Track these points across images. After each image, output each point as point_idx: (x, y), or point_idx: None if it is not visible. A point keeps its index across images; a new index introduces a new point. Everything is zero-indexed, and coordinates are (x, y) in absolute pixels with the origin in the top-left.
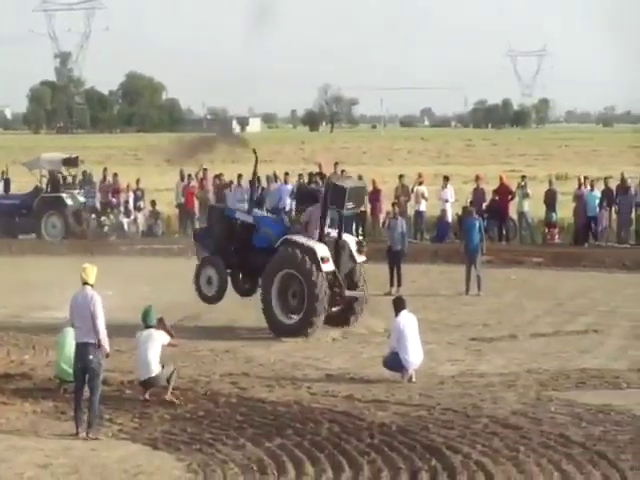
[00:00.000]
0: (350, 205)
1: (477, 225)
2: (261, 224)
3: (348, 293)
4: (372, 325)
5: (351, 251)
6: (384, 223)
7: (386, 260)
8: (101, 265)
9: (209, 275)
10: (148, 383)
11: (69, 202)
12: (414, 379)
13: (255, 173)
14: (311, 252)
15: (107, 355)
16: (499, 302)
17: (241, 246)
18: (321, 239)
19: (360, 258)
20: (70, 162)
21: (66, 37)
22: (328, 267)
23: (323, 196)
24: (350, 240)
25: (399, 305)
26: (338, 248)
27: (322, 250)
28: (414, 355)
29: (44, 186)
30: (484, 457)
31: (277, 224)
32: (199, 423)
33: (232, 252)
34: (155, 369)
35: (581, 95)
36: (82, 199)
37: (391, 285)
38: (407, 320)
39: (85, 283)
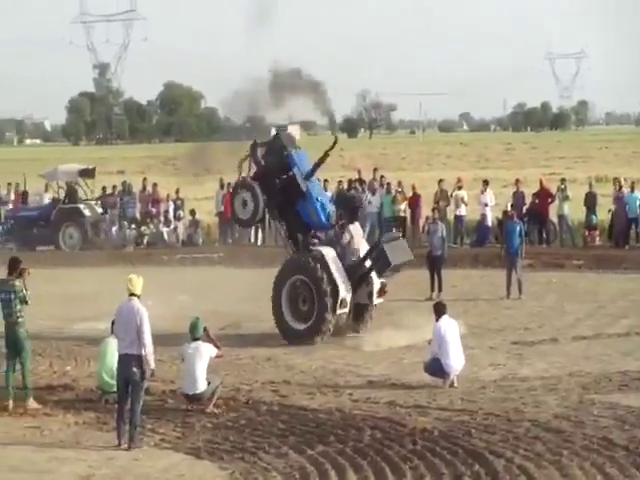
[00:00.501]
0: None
1: (518, 229)
2: (310, 199)
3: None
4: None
5: (372, 290)
6: (424, 228)
7: (426, 265)
8: (141, 275)
9: (244, 198)
10: (193, 398)
11: (87, 213)
12: (456, 384)
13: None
14: (323, 261)
15: (152, 373)
16: (540, 305)
17: (284, 200)
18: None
19: (377, 300)
20: (87, 173)
21: (104, 48)
22: (343, 310)
23: (368, 254)
24: (375, 280)
25: (440, 310)
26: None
27: (343, 290)
28: (455, 360)
29: (61, 197)
30: (527, 461)
31: (322, 212)
32: (241, 431)
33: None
34: (202, 386)
35: (620, 97)
36: (100, 210)
37: (432, 290)
38: (448, 325)
39: (132, 294)
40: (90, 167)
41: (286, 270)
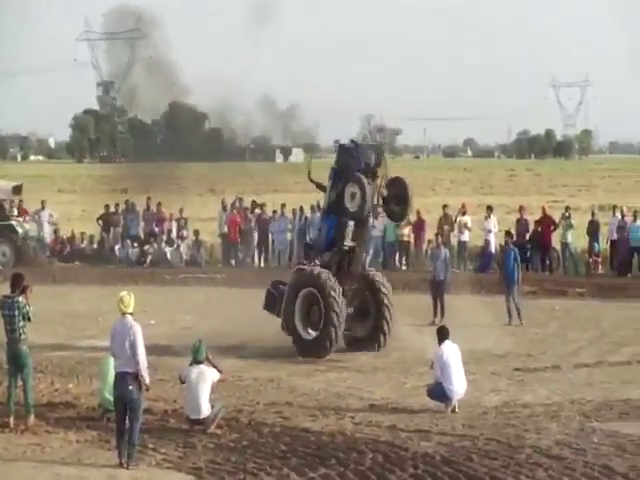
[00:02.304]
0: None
1: (512, 255)
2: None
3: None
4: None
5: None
6: (427, 253)
7: (429, 290)
8: (144, 294)
9: (352, 191)
10: (197, 422)
11: (19, 230)
12: (457, 409)
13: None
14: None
15: (147, 388)
16: (543, 332)
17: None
18: None
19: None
20: (18, 190)
21: (109, 66)
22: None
23: None
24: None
25: (443, 334)
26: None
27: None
28: (458, 385)
29: None
30: None
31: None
32: (243, 453)
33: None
34: (205, 411)
35: (624, 126)
36: (28, 226)
37: (435, 315)
38: (450, 350)
39: (124, 313)
40: (19, 183)
41: (296, 282)
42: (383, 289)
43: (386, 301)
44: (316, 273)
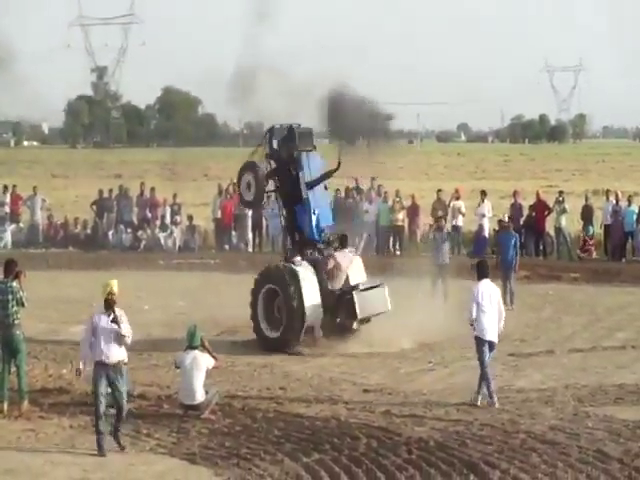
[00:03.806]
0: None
1: (513, 241)
2: (307, 207)
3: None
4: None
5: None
6: (424, 237)
7: (432, 274)
8: (137, 279)
9: (248, 180)
10: (191, 407)
11: None
12: (478, 402)
13: None
14: (293, 272)
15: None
16: (536, 317)
17: (290, 193)
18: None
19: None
20: None
21: (103, 52)
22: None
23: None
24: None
25: (481, 270)
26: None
27: (310, 315)
28: (489, 330)
29: None
30: (522, 473)
31: (316, 227)
32: (237, 438)
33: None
34: (199, 397)
35: (617, 111)
36: None
37: (434, 297)
38: (487, 289)
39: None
40: None
41: (262, 278)
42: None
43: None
44: (279, 272)
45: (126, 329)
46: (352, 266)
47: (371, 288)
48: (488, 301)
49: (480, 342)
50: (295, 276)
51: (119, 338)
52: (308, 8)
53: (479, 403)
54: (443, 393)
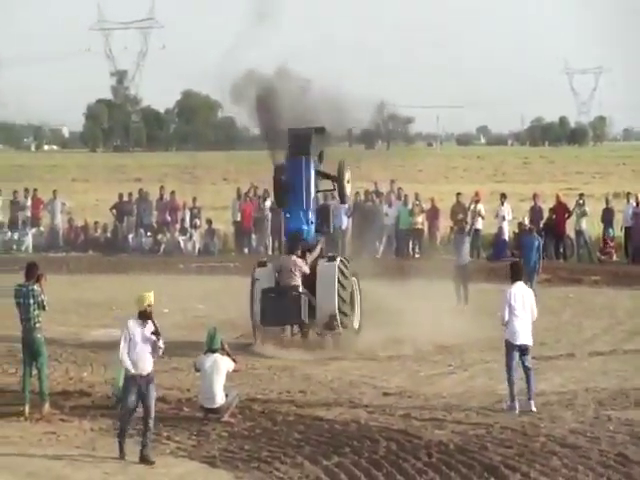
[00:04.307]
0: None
1: (536, 244)
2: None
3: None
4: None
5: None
6: (448, 239)
7: (453, 276)
8: (157, 283)
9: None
10: (211, 411)
11: None
12: (533, 408)
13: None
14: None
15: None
16: (557, 320)
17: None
18: None
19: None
20: None
21: (122, 55)
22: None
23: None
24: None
25: (514, 272)
26: None
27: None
28: (521, 334)
29: None
30: (542, 476)
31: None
32: (257, 441)
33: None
34: (220, 400)
35: (638, 113)
36: None
37: (458, 301)
38: (519, 292)
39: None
40: None
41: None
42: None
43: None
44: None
45: (162, 342)
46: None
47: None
48: (521, 304)
49: (510, 346)
50: (253, 277)
51: (155, 350)
52: (318, 7)
53: (534, 409)
54: (463, 396)
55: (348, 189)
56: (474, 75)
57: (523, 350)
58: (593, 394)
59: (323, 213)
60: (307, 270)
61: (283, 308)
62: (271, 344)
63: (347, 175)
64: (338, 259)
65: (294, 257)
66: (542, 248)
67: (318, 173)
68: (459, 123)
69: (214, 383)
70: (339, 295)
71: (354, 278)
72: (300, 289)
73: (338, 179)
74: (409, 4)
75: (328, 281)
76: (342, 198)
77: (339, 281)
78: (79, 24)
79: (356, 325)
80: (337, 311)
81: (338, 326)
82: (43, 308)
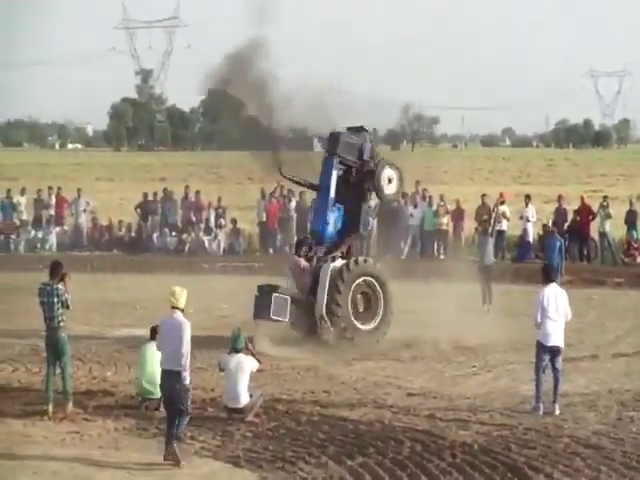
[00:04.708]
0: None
1: (558, 245)
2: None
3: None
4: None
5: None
6: (472, 240)
7: (478, 276)
8: (182, 282)
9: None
10: (235, 411)
11: None
12: (557, 411)
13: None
14: None
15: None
16: (580, 322)
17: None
18: None
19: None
20: None
21: (147, 54)
22: None
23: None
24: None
25: (546, 274)
26: None
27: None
28: (554, 335)
29: None
30: (566, 477)
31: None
32: (281, 441)
33: None
34: (244, 401)
35: None
36: None
37: (484, 302)
38: (552, 293)
39: (174, 307)
40: None
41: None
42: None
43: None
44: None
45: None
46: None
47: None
48: (554, 306)
49: (541, 348)
50: None
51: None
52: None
53: (557, 412)
54: (487, 397)
55: (389, 188)
56: (500, 77)
57: (554, 352)
58: (616, 395)
59: (351, 213)
60: (306, 269)
61: (259, 304)
62: (268, 341)
63: (387, 174)
64: (338, 261)
65: (295, 257)
66: (565, 249)
67: (357, 172)
68: (484, 124)
69: (238, 383)
70: (331, 297)
71: (371, 279)
72: (281, 288)
73: (375, 177)
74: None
75: (322, 283)
76: (379, 197)
77: (335, 283)
78: (104, 23)
79: (370, 326)
80: (324, 313)
81: (328, 328)
82: (67, 307)
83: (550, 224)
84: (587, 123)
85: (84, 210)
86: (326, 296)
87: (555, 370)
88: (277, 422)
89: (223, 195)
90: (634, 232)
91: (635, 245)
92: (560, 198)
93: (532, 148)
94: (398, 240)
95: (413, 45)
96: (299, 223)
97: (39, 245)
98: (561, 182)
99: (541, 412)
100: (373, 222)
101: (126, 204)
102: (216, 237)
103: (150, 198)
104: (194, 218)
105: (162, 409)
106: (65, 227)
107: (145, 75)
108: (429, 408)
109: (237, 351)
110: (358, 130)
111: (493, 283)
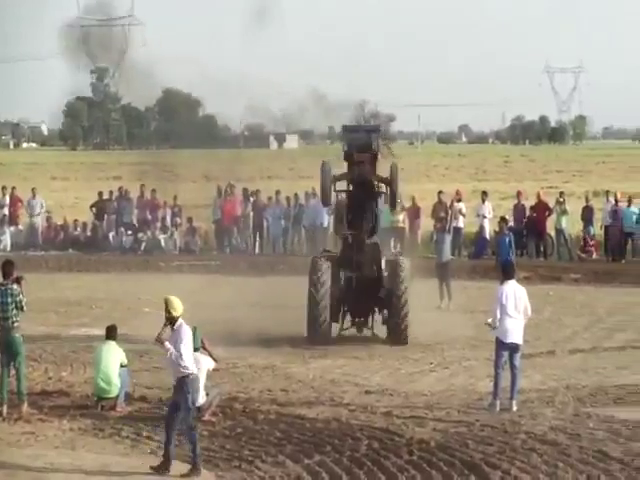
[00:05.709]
0: None
1: (507, 241)
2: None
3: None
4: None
5: None
6: (431, 238)
7: (435, 274)
8: (138, 282)
9: None
10: None
11: None
12: (514, 408)
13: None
14: None
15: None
16: (537, 318)
17: None
18: None
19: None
20: None
21: (102, 53)
22: None
23: None
24: None
25: (505, 271)
26: None
27: None
28: (512, 332)
29: None
30: (523, 473)
31: None
32: (238, 440)
33: None
34: (200, 399)
35: (617, 112)
36: None
37: (441, 299)
38: (511, 290)
39: (172, 317)
40: None
41: None
42: None
43: None
44: None
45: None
46: None
47: None
48: (512, 303)
49: (500, 344)
50: None
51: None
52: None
53: (515, 408)
54: (444, 394)
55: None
56: (456, 74)
57: (513, 349)
58: (573, 391)
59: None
60: None
61: None
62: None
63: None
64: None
65: None
66: (514, 245)
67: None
68: (441, 122)
69: None
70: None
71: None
72: None
73: (391, 183)
74: (390, 4)
75: None
76: (393, 202)
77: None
78: (59, 21)
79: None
80: None
81: None
82: (21, 309)
83: (508, 220)
84: (543, 119)
85: (38, 214)
86: None
87: (513, 367)
88: (234, 421)
89: (179, 194)
90: (590, 228)
91: (591, 242)
92: (519, 194)
93: (488, 145)
94: None
95: (366, 42)
96: (256, 221)
97: None
98: (517, 178)
99: (498, 409)
100: (329, 219)
101: (81, 203)
102: (172, 236)
103: (105, 197)
104: (150, 217)
105: (118, 408)
106: (20, 227)
107: (100, 73)
108: (386, 406)
109: (194, 350)
110: (375, 130)
111: (451, 280)
